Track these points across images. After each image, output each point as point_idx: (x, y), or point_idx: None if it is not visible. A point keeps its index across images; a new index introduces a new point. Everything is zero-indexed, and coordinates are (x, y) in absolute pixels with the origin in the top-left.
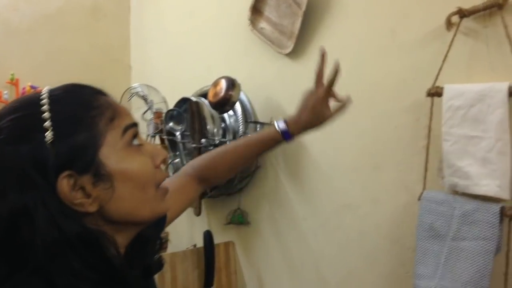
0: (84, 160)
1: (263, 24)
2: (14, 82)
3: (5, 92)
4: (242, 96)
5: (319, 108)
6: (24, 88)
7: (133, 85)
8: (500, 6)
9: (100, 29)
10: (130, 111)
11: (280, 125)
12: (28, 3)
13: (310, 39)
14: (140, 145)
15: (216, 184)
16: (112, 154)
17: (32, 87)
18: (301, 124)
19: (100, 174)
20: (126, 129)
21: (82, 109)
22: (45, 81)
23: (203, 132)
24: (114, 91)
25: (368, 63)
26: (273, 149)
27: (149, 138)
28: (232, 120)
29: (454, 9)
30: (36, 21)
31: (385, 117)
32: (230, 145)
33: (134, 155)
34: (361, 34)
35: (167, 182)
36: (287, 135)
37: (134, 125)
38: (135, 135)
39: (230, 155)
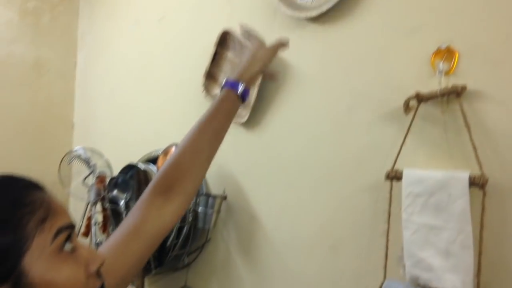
0: (3, 267)
1: (218, 91)
2: None
3: None
4: None
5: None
6: None
7: (75, 147)
8: (458, 94)
9: (42, 84)
10: (67, 210)
11: (228, 80)
12: None
13: (266, 110)
14: (74, 249)
15: (195, 186)
16: (38, 261)
17: None
18: (247, 73)
19: (20, 285)
20: (58, 232)
21: (10, 207)
22: None
23: None
24: (55, 150)
25: (325, 139)
26: (234, 113)
27: (89, 206)
28: None
29: (412, 92)
30: None
31: (343, 197)
32: (190, 133)
33: (64, 262)
34: (317, 109)
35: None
36: (239, 87)
37: (70, 227)
38: (69, 238)
39: (198, 141)
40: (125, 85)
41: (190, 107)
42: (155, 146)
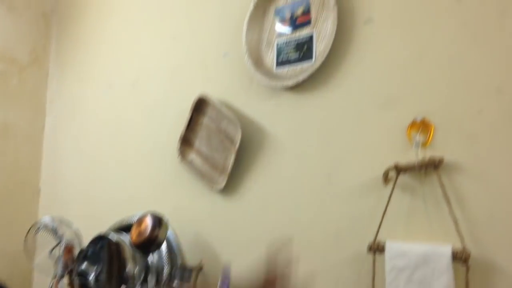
0: None
1: (193, 156)
2: None
3: None
4: (169, 232)
5: None
6: None
7: (41, 216)
8: (436, 166)
9: (8, 149)
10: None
11: None
12: None
13: (244, 177)
14: None
15: None
16: None
17: None
18: None
19: None
20: None
21: None
22: None
23: (122, 276)
24: (20, 219)
25: (304, 208)
26: None
27: (56, 280)
28: (156, 258)
29: (391, 163)
30: None
31: (325, 269)
32: None
33: None
34: (296, 177)
35: None
36: None
37: None
38: None
39: None
40: (97, 149)
41: (165, 172)
42: (127, 212)
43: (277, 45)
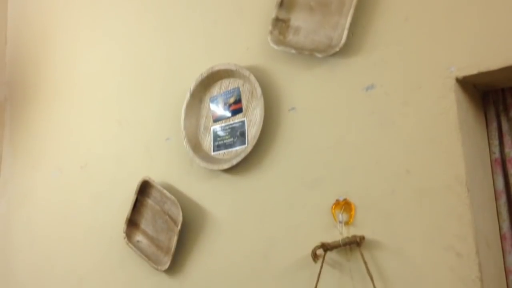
0: None
1: (139, 237)
2: None
3: None
4: None
5: None
6: None
7: None
8: (358, 244)
9: None
10: None
11: None
12: None
13: (188, 256)
14: None
15: None
16: None
17: None
18: None
19: None
20: None
21: None
22: None
23: None
24: None
25: (244, 285)
26: None
27: None
28: None
29: (318, 241)
30: None
31: None
32: None
33: None
34: (235, 255)
35: None
36: None
37: None
38: None
39: None
40: (47, 233)
41: (112, 254)
42: None
43: (213, 130)
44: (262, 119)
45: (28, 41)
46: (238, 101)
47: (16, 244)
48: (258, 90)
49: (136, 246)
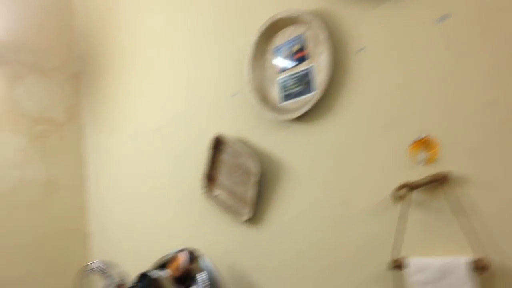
0: None
1: (218, 191)
2: None
3: None
4: (206, 264)
5: None
6: None
7: (91, 260)
8: (443, 181)
9: (55, 200)
10: None
11: None
12: None
13: (267, 207)
14: None
15: None
16: None
17: None
18: None
19: None
20: None
21: None
22: (3, 268)
23: None
24: (71, 264)
25: (323, 232)
26: None
27: None
28: None
29: (400, 181)
30: None
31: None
32: None
33: None
34: (312, 203)
35: None
36: None
37: None
38: None
39: None
40: (132, 194)
41: (194, 209)
42: (167, 249)
43: (280, 81)
44: (330, 63)
45: (93, 16)
46: (302, 48)
47: (108, 207)
48: (323, 34)
49: (216, 200)
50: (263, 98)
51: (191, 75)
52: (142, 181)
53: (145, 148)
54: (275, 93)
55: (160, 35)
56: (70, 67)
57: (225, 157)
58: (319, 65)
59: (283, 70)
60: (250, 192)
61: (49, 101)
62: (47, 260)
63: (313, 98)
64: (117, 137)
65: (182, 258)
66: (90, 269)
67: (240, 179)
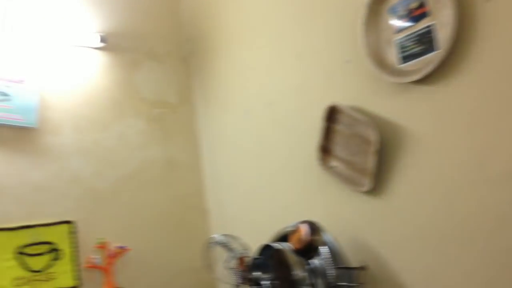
0: None
1: (334, 163)
2: (102, 246)
3: (96, 257)
4: (327, 236)
5: None
6: (111, 250)
7: (212, 234)
8: None
9: (174, 179)
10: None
11: None
12: (111, 167)
13: (389, 176)
14: None
15: None
16: None
17: (119, 247)
18: None
19: None
20: None
21: None
22: (132, 238)
23: (291, 280)
24: (193, 237)
25: (457, 200)
26: None
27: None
28: (318, 262)
29: None
30: (117, 183)
31: (488, 260)
32: None
33: None
34: (443, 168)
35: None
36: None
37: None
38: None
39: None
40: (247, 170)
41: (310, 182)
42: (285, 222)
43: (397, 42)
44: (454, 17)
45: None
46: (421, 5)
47: (224, 184)
48: None
49: (332, 171)
50: (380, 62)
51: (301, 45)
52: (255, 156)
53: (257, 124)
54: (392, 55)
55: (267, 7)
56: (180, 50)
57: (341, 127)
58: (441, 21)
59: (400, 30)
60: (370, 162)
61: (163, 85)
62: (172, 234)
63: (436, 57)
64: (229, 115)
65: (304, 230)
66: (214, 242)
67: (358, 149)
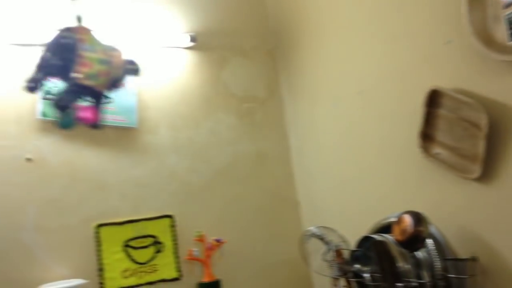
0: None
1: (437, 150)
2: (200, 239)
3: (195, 249)
4: (432, 227)
5: None
6: (209, 243)
7: (307, 227)
8: None
9: (265, 172)
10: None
11: None
12: (204, 162)
13: (501, 161)
14: None
15: None
16: None
17: (216, 240)
18: None
19: None
20: None
21: None
22: (226, 231)
23: (394, 272)
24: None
25: None
26: None
27: (334, 280)
28: (423, 255)
29: None
30: (211, 177)
31: None
32: None
33: None
34: None
35: None
36: None
37: None
38: None
39: None
40: (339, 160)
41: (409, 170)
42: (381, 214)
43: (507, 17)
44: None
45: None
46: None
47: (314, 175)
48: None
49: (436, 158)
50: (487, 40)
51: (394, 28)
52: (347, 147)
53: (347, 113)
54: (501, 32)
55: None
56: (265, 44)
57: (444, 111)
58: None
59: (510, 4)
60: (479, 147)
61: (251, 80)
62: (265, 227)
63: None
64: (318, 106)
65: (408, 221)
66: (309, 235)
67: (465, 133)
